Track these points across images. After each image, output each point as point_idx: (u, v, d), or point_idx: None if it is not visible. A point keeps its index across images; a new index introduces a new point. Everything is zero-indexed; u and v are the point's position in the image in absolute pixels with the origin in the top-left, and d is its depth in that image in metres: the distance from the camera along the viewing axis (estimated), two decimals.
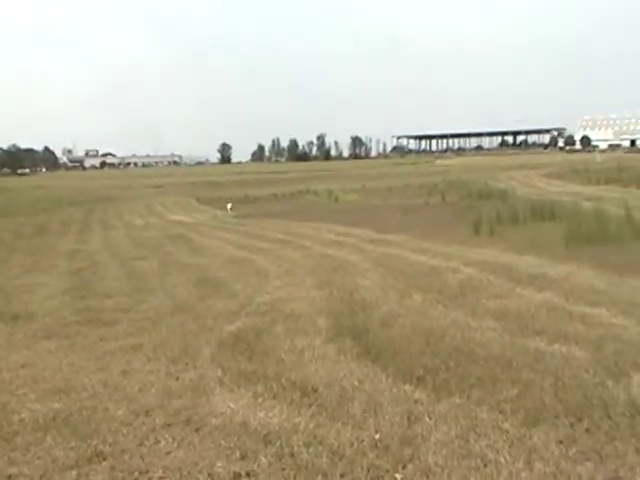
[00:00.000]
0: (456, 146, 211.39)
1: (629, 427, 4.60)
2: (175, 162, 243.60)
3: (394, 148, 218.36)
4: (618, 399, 5.07)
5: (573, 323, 7.32)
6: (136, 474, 4.49)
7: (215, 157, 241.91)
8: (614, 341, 6.51)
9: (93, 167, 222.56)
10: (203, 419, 5.37)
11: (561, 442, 4.49)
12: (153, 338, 8.10)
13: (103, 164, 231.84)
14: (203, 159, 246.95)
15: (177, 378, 6.48)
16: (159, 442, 4.98)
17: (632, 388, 5.26)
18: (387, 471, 4.27)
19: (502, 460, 4.27)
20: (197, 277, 12.64)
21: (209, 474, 4.39)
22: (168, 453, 4.79)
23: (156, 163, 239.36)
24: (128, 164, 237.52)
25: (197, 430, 5.16)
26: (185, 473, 4.44)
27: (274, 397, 5.71)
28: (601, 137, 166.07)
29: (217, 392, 5.98)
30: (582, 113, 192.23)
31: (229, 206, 30.44)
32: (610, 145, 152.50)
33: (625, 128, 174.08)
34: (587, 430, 4.63)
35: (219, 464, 4.50)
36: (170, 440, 4.99)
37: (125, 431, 5.21)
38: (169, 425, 5.29)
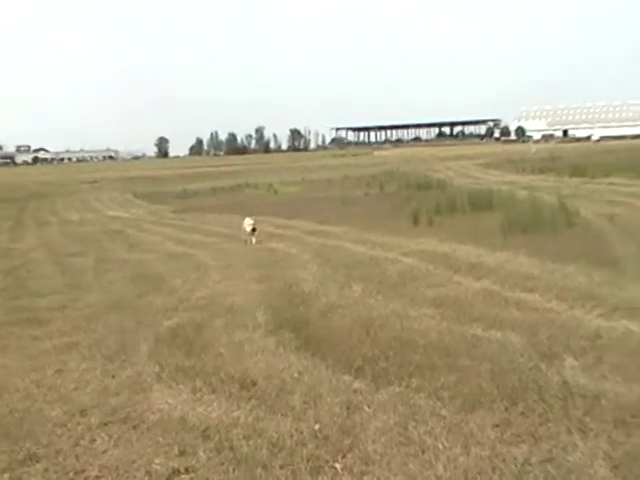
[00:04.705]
0: (394, 137, 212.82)
1: (562, 409, 4.72)
2: (111, 157, 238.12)
3: (333, 140, 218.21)
4: (552, 382, 5.20)
5: (509, 309, 7.48)
6: (71, 474, 4.40)
7: (152, 151, 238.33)
8: (548, 326, 6.68)
9: (25, 163, 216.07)
10: (141, 416, 5.29)
11: (497, 426, 4.57)
12: (89, 336, 7.94)
13: (36, 160, 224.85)
14: (140, 153, 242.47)
15: (114, 376, 6.36)
16: (95, 441, 4.88)
17: (565, 371, 5.40)
18: (327, 461, 4.28)
19: (440, 446, 4.33)
20: (135, 273, 12.44)
21: (147, 471, 4.33)
22: (104, 452, 4.70)
23: (91, 158, 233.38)
24: (62, 159, 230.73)
25: (134, 427, 5.08)
26: (122, 471, 4.37)
27: (213, 391, 5.66)
28: (535, 127, 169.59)
29: (155, 388, 5.90)
30: (517, 105, 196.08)
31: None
32: (544, 135, 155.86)
33: (558, 119, 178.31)
34: (522, 413, 4.73)
35: (157, 461, 4.44)
36: (106, 439, 4.90)
37: (60, 432, 5.10)
38: (105, 424, 5.18)
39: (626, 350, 5.81)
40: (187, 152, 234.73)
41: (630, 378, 5.15)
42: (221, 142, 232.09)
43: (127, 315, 8.88)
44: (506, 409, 4.82)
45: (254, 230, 15.62)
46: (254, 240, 15.47)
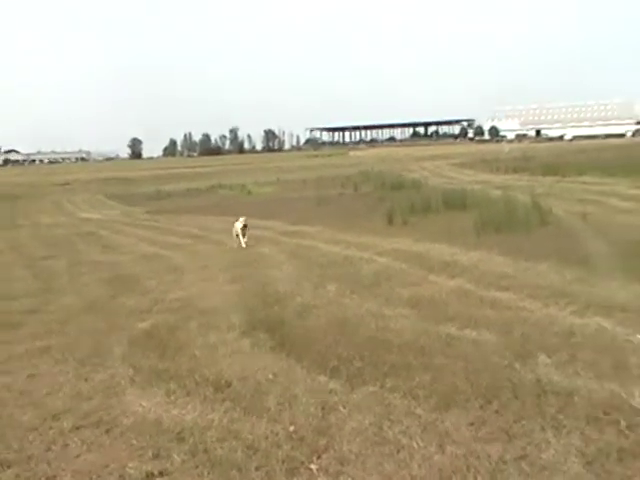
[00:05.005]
0: (369, 137, 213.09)
1: (535, 406, 4.74)
2: (83, 158, 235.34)
3: (307, 140, 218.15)
4: (525, 380, 5.23)
5: (483, 308, 7.51)
6: None
7: (125, 152, 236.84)
8: (522, 324, 6.72)
9: None
10: (114, 420, 5.23)
11: (472, 424, 4.59)
12: (61, 339, 7.84)
13: (6, 161, 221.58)
14: (113, 155, 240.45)
15: (87, 379, 6.29)
16: (68, 446, 4.82)
17: (538, 368, 5.44)
18: (302, 462, 4.27)
19: (415, 445, 4.33)
20: (109, 275, 12.33)
21: (120, 475, 4.29)
22: (77, 457, 4.64)
23: (63, 159, 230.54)
24: (33, 161, 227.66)
25: (108, 431, 5.02)
26: (95, 476, 4.32)
27: (187, 394, 5.62)
28: (509, 127, 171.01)
29: (129, 392, 5.84)
30: (490, 104, 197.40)
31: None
32: (517, 135, 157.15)
33: (531, 118, 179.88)
34: (496, 411, 4.75)
35: (131, 465, 4.40)
36: (79, 443, 4.84)
37: (31, 437, 5.03)
38: (78, 428, 5.12)
39: (599, 347, 5.86)
40: (161, 153, 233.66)
41: (603, 375, 5.20)
42: (195, 143, 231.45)
43: (101, 318, 8.79)
44: (481, 407, 4.84)
45: (245, 226, 14.71)
46: (245, 241, 14.61)
